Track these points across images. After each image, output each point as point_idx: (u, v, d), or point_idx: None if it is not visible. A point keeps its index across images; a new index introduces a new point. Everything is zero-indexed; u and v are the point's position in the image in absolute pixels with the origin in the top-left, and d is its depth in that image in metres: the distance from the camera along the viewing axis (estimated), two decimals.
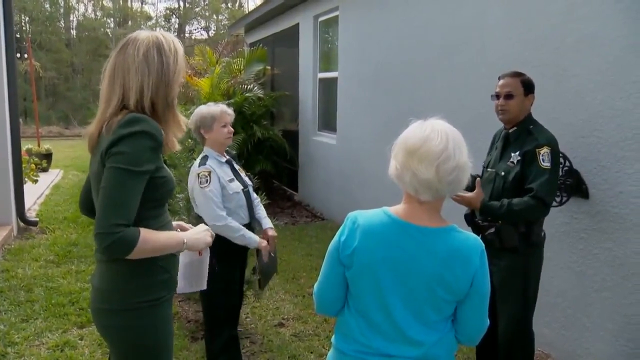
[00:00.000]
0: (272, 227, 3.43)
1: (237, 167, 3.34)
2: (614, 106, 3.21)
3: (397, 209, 1.70)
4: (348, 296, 1.78)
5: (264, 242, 3.26)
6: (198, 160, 3.19)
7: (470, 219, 3.10)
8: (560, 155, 3.41)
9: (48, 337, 3.98)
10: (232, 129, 3.26)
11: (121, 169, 1.72)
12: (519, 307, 2.94)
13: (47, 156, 11.32)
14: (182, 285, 2.28)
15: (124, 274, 1.86)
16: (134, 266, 1.82)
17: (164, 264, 1.91)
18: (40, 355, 3.71)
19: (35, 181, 7.66)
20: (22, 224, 6.87)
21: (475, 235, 1.69)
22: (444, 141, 1.59)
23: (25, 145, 11.21)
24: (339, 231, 1.74)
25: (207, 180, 3.04)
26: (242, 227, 3.12)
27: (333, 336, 1.85)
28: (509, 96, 2.94)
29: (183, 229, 2.12)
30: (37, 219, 7.13)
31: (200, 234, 2.04)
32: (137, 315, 1.87)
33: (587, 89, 3.39)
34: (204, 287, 2.48)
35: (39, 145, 11.66)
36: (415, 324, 1.67)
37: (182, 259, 2.15)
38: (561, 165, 3.43)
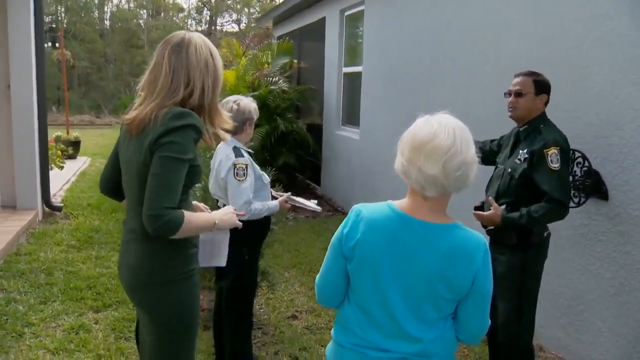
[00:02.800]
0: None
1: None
2: (636, 106, 3.12)
3: (401, 203, 1.69)
4: (349, 289, 1.77)
5: (281, 198, 3.28)
6: (229, 150, 3.11)
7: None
8: (580, 155, 3.35)
9: (64, 319, 4.07)
10: None
11: (172, 158, 1.91)
12: (514, 304, 2.92)
13: (76, 144, 11.53)
14: (200, 260, 2.46)
15: (165, 249, 2.03)
16: (172, 243, 2.00)
17: (192, 239, 2.12)
18: (55, 336, 3.79)
19: (61, 167, 7.81)
20: (47, 209, 7.02)
21: (479, 234, 1.66)
22: (452, 137, 1.57)
23: (55, 133, 11.47)
24: (343, 223, 1.74)
25: (244, 173, 3.01)
26: (263, 203, 3.14)
27: (332, 329, 1.85)
28: (518, 94, 2.94)
29: (200, 210, 2.32)
30: (62, 205, 7.28)
31: (228, 216, 2.22)
32: (177, 286, 2.07)
33: (608, 88, 3.30)
34: (224, 264, 2.62)
35: (67, 133, 11.90)
36: (414, 320, 1.65)
37: (201, 236, 2.31)
38: (580, 165, 3.36)
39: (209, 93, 2.06)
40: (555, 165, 2.76)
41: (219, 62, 2.11)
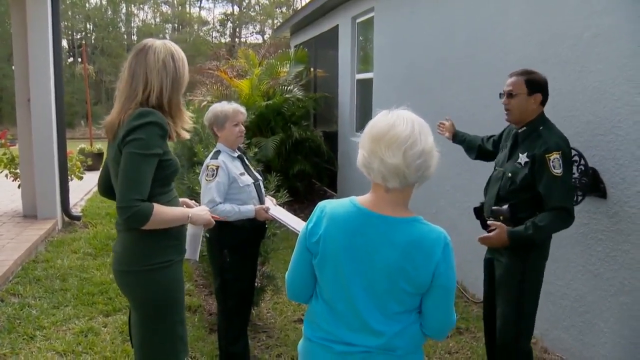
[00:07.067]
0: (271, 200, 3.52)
1: (247, 162, 3.43)
2: (633, 102, 3.08)
3: (363, 199, 1.72)
4: (316, 284, 1.80)
5: (258, 206, 3.27)
6: (211, 154, 3.31)
7: (478, 214, 3.06)
8: (576, 153, 3.32)
9: (75, 323, 4.17)
10: (243, 129, 3.34)
11: (136, 154, 2.06)
12: (513, 306, 2.86)
13: (99, 156, 11.81)
14: (188, 252, 2.63)
15: (141, 240, 2.19)
16: (149, 234, 2.15)
17: (174, 233, 2.26)
18: (65, 339, 3.89)
19: (81, 178, 8.00)
20: (66, 219, 7.20)
21: (440, 228, 1.67)
22: (410, 127, 1.60)
23: (80, 145, 11.76)
24: (309, 219, 1.77)
25: (213, 174, 3.14)
26: (234, 205, 3.18)
27: (303, 325, 1.88)
28: (509, 95, 2.86)
29: (188, 205, 2.49)
30: (81, 214, 7.45)
31: (202, 211, 2.42)
32: (151, 274, 2.21)
33: (605, 85, 3.27)
34: (196, 258, 2.73)
35: (91, 146, 12.20)
36: (377, 314, 1.67)
37: (189, 230, 2.51)
38: (577, 164, 3.33)
39: (166, 93, 2.18)
40: (557, 171, 2.68)
41: (181, 64, 2.24)
